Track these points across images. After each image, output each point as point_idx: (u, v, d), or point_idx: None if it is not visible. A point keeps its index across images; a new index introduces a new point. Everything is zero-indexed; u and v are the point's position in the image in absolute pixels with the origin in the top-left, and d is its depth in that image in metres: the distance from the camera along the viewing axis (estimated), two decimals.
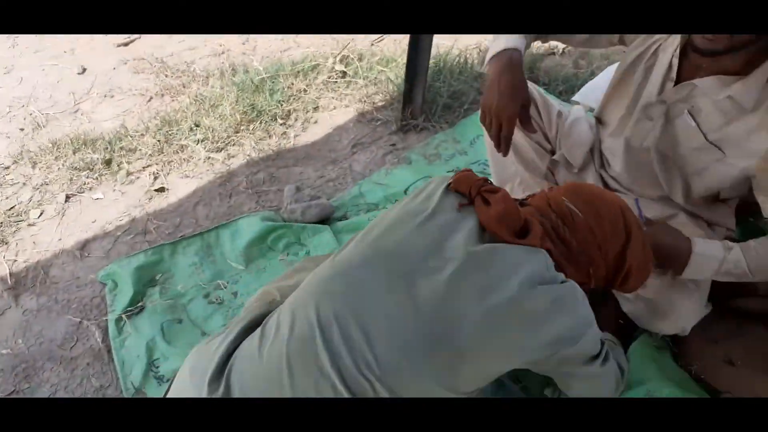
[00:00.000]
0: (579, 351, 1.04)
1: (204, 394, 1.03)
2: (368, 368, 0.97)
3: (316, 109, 2.51)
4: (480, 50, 2.86)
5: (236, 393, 1.03)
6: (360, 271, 1.05)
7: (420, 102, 2.37)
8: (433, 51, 2.69)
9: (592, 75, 2.52)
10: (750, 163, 1.39)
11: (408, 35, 2.23)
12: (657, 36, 1.47)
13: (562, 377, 1.14)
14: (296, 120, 2.45)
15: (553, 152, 1.83)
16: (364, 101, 2.54)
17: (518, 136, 1.79)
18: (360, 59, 2.73)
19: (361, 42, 2.97)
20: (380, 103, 2.53)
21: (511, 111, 1.41)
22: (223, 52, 2.97)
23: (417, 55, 2.23)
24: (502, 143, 1.46)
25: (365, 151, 2.34)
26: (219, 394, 1.02)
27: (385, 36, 3.07)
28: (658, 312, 1.50)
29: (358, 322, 0.99)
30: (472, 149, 2.29)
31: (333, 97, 2.56)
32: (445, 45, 2.82)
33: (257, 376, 1.04)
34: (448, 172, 2.21)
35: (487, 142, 1.87)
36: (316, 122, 2.46)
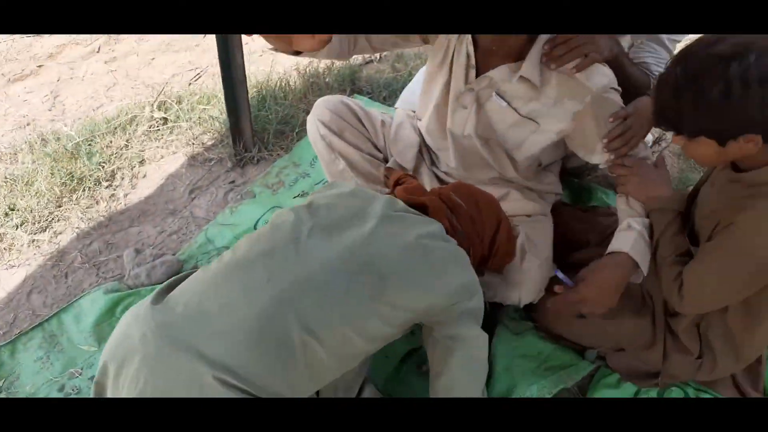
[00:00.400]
0: (473, 307, 1.31)
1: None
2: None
3: (142, 162, 2.37)
4: (299, 71, 2.85)
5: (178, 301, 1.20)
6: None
7: (250, 133, 2.31)
8: (253, 80, 2.66)
9: (411, 76, 2.60)
10: (561, 126, 1.52)
11: (221, 70, 2.16)
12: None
13: (453, 339, 1.31)
14: (123, 179, 2.30)
15: (386, 160, 1.87)
16: (193, 144, 2.44)
17: (351, 152, 1.82)
18: (179, 102, 2.62)
19: (178, 84, 2.85)
20: (210, 143, 2.44)
21: None
22: (28, 123, 2.72)
23: (234, 88, 2.17)
24: None
25: (204, 195, 2.24)
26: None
27: (202, 73, 2.97)
28: (513, 282, 1.58)
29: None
30: (313, 170, 2.27)
31: (158, 147, 2.43)
32: (263, 72, 2.78)
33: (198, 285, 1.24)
34: (294, 197, 2.17)
35: (322, 164, 1.88)
36: (145, 176, 2.32)
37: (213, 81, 2.85)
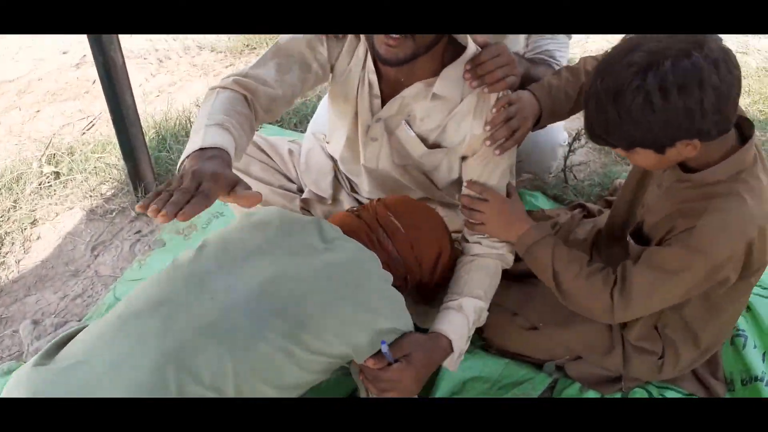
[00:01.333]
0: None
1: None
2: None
3: (34, 223, 2.14)
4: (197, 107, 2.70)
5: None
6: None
7: (151, 177, 2.14)
8: (150, 121, 2.49)
9: (319, 100, 2.50)
10: (463, 146, 1.45)
11: (110, 112, 1.99)
12: (354, 60, 1.43)
13: None
14: (13, 243, 2.06)
15: (301, 191, 1.76)
16: (90, 196, 2.23)
17: (261, 188, 1.68)
18: (71, 153, 2.41)
19: (69, 134, 2.64)
20: (109, 193, 2.24)
21: (215, 173, 0.97)
22: None
23: (127, 130, 2.01)
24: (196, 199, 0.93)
25: (109, 250, 2.04)
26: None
27: (95, 120, 2.77)
28: None
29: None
30: (226, 208, 2.12)
31: (51, 204, 2.21)
32: (160, 111, 2.62)
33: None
34: None
35: (231, 205, 1.74)
36: (39, 238, 2.09)
37: (108, 128, 2.65)
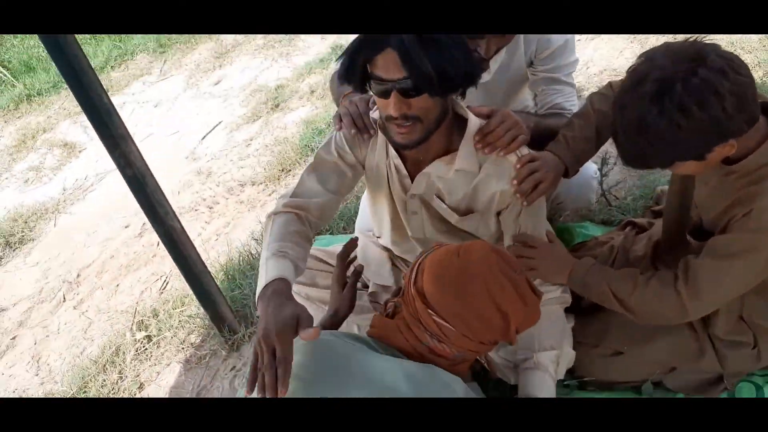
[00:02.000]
0: None
1: None
2: None
3: (141, 387, 2.33)
4: (257, 239, 2.91)
5: None
6: None
7: (231, 316, 2.31)
8: (216, 266, 2.70)
9: (358, 200, 2.68)
10: (494, 206, 1.57)
11: (181, 271, 2.20)
12: (378, 153, 1.61)
13: None
14: None
15: (366, 287, 1.90)
16: (182, 349, 2.42)
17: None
18: (155, 315, 2.62)
19: (149, 298, 2.87)
20: (198, 340, 2.43)
21: (279, 330, 1.16)
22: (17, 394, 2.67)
23: (199, 282, 2.20)
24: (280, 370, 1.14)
25: (212, 392, 2.19)
26: None
27: (167, 278, 3.01)
28: None
29: None
30: None
31: (151, 366, 2.40)
32: (223, 252, 2.83)
33: None
34: None
35: None
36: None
37: (181, 281, 2.88)
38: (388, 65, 1.30)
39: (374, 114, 1.58)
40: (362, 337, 1.26)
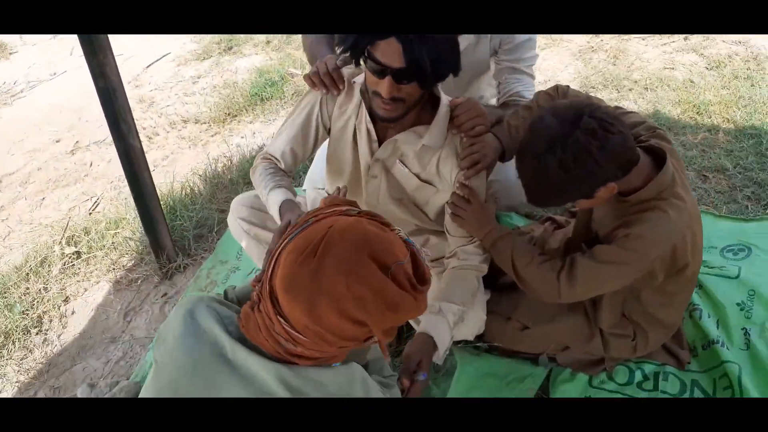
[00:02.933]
0: None
1: None
2: None
3: (66, 300, 2.35)
4: (201, 176, 2.95)
5: None
6: None
7: (170, 244, 2.37)
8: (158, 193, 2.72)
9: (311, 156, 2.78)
10: (449, 187, 1.74)
11: (132, 191, 2.23)
12: (349, 113, 1.73)
13: None
14: (51, 321, 2.27)
15: None
16: (113, 269, 2.45)
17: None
18: (87, 233, 2.62)
19: (76, 216, 2.85)
20: (130, 264, 2.46)
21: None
22: None
23: (146, 205, 2.24)
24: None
25: (140, 315, 2.26)
26: None
27: (98, 200, 2.99)
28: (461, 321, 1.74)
29: None
30: (241, 262, 2.36)
31: (79, 281, 2.42)
32: (165, 183, 2.85)
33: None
34: None
35: (253, 258, 1.98)
36: (73, 313, 2.30)
37: (112, 205, 2.88)
38: (389, 52, 1.44)
39: (345, 71, 1.71)
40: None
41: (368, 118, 1.70)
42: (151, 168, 3.20)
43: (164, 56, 4.30)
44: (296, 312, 0.99)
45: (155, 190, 2.25)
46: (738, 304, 1.89)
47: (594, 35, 3.59)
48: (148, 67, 4.22)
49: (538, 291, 1.64)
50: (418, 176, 1.75)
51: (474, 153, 1.66)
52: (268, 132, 3.35)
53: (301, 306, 0.98)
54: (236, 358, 1.06)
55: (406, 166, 1.75)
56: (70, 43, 4.51)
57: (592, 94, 3.04)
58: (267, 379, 1.04)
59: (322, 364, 1.08)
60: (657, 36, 3.49)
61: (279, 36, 4.27)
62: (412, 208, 1.87)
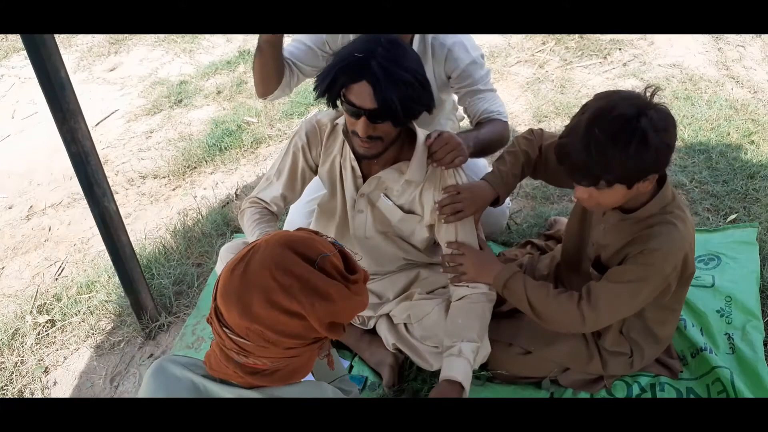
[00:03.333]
0: None
1: None
2: None
3: (46, 371, 2.26)
4: (171, 232, 2.91)
5: None
6: None
7: (152, 304, 2.33)
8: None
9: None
10: (431, 214, 1.82)
11: (110, 254, 2.19)
12: (334, 152, 1.80)
13: None
14: (33, 394, 2.17)
15: None
16: (92, 334, 2.38)
17: None
18: (58, 299, 2.55)
19: (44, 283, 2.76)
20: (109, 327, 2.40)
21: None
22: None
23: (125, 266, 2.21)
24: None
25: (127, 378, 2.20)
26: None
27: (63, 264, 2.90)
28: None
29: None
30: None
31: (57, 349, 2.34)
32: (137, 243, 2.80)
33: None
34: None
35: None
36: (56, 383, 2.22)
37: (79, 269, 2.81)
38: (361, 94, 1.53)
39: (328, 114, 1.81)
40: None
41: (352, 155, 1.77)
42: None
43: (112, 113, 4.24)
44: (234, 315, 1.04)
45: (134, 252, 2.22)
46: (717, 311, 2.01)
47: (539, 67, 3.78)
48: (96, 125, 4.15)
49: (561, 324, 1.70)
50: (401, 208, 1.83)
51: (456, 202, 1.74)
52: (231, 182, 3.34)
53: (236, 307, 1.03)
54: (209, 391, 1.15)
55: (390, 199, 1.81)
56: (10, 105, 4.40)
57: (545, 123, 3.23)
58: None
59: (290, 383, 1.15)
60: (598, 63, 3.71)
61: (229, 86, 4.28)
62: (398, 241, 1.93)
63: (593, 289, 1.64)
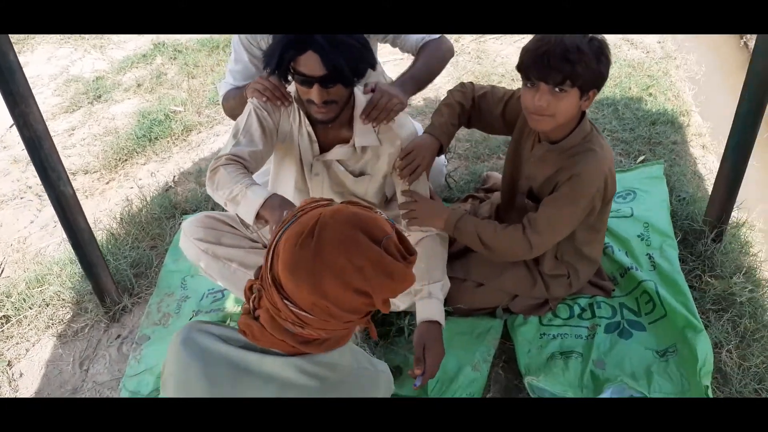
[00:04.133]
0: None
1: None
2: None
3: (9, 365, 2.24)
4: (117, 219, 2.91)
5: None
6: None
7: (113, 287, 2.35)
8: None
9: None
10: (384, 169, 1.97)
11: (69, 238, 2.20)
12: (290, 120, 1.90)
13: None
14: (1, 387, 2.15)
15: (266, 246, 2.13)
16: (52, 325, 2.37)
17: (235, 252, 2.04)
18: (8, 296, 2.50)
19: None
20: (68, 315, 2.40)
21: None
22: None
23: (84, 251, 2.22)
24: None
25: (97, 360, 2.22)
26: None
27: (2, 266, 2.83)
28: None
29: None
30: (188, 290, 2.40)
31: (16, 343, 2.31)
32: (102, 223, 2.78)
33: None
34: (190, 319, 2.28)
35: (215, 275, 2.04)
36: (21, 375, 2.20)
37: (20, 267, 2.76)
38: (309, 64, 1.64)
39: (290, 88, 1.88)
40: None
41: (307, 121, 1.88)
42: (53, 224, 3.10)
43: None
44: (303, 291, 1.06)
45: (93, 235, 2.23)
46: (639, 236, 2.29)
47: (455, 41, 4.01)
48: (11, 127, 3.99)
49: (511, 253, 1.89)
50: (352, 173, 1.96)
51: (411, 162, 1.89)
52: (166, 170, 3.35)
53: (307, 284, 1.06)
54: (249, 364, 1.15)
55: (342, 165, 1.95)
56: None
57: None
58: (286, 373, 1.14)
59: (329, 349, 1.18)
60: (509, 36, 3.99)
61: (148, 78, 4.24)
62: (354, 200, 2.07)
63: (534, 218, 1.85)
